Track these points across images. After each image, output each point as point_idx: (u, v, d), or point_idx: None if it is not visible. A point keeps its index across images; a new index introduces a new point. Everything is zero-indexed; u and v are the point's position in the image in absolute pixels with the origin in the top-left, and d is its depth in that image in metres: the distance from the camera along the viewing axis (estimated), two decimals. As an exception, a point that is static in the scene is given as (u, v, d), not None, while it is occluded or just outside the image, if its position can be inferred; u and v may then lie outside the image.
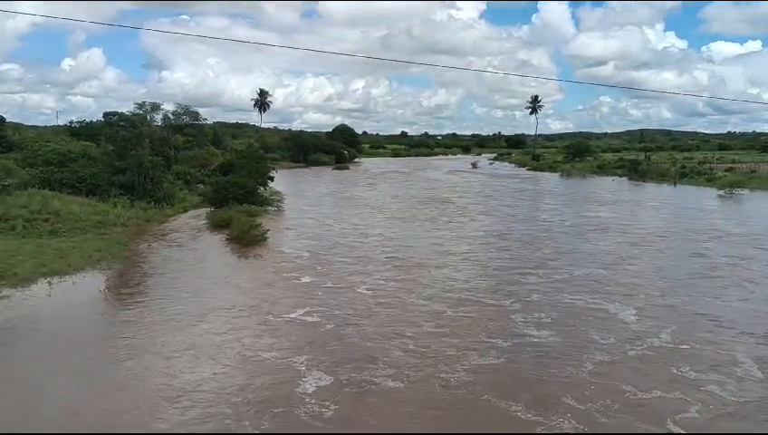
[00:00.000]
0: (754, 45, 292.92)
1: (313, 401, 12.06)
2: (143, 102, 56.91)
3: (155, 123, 56.42)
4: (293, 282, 21.92)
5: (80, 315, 18.05)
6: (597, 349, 14.74)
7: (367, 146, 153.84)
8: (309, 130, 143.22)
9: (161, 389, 12.72)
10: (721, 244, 28.90)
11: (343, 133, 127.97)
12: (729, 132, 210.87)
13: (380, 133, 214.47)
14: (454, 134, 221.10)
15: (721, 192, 55.88)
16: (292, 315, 17.78)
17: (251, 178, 42.16)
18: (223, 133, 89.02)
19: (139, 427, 11.21)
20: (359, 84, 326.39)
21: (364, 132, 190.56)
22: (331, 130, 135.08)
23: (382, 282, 21.60)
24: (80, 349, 15.01)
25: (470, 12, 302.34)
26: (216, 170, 52.01)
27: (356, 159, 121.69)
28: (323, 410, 11.73)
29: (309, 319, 17.50)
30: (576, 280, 21.79)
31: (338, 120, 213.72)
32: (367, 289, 20.59)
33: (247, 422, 11.32)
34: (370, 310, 18.31)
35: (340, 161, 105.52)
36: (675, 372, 13.47)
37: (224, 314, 17.99)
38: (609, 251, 27.48)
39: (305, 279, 22.12)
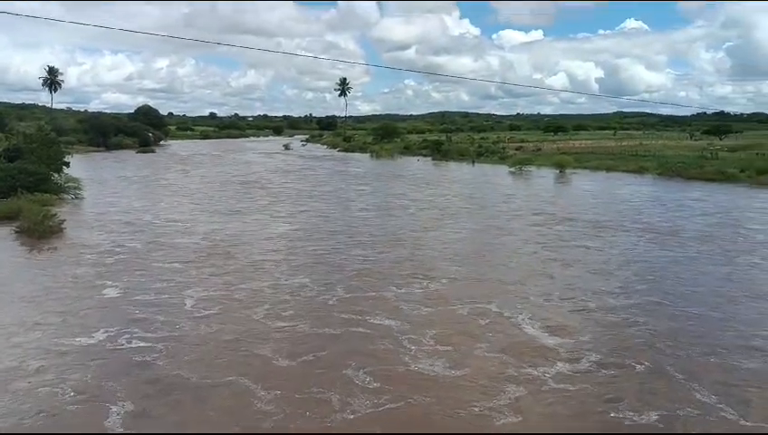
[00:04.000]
0: (537, 34, 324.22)
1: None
2: None
3: None
4: (97, 291, 16.75)
5: None
6: (511, 381, 11.08)
7: (173, 128, 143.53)
8: (108, 112, 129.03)
9: None
10: (556, 224, 27.67)
11: (147, 114, 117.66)
12: (518, 114, 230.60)
13: (188, 114, 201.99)
14: (265, 115, 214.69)
15: (512, 169, 58.39)
16: (92, 339, 13.14)
17: (42, 163, 36.61)
18: (7, 115, 76.47)
19: None
20: (162, 63, 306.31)
21: (170, 114, 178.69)
22: (133, 111, 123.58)
23: (215, 292, 16.78)
24: None
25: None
26: (1, 156, 43.77)
27: (162, 142, 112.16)
28: None
29: (118, 344, 12.91)
30: (456, 282, 17.96)
31: (140, 101, 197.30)
32: (196, 303, 15.74)
33: None
34: (201, 333, 13.62)
35: (145, 144, 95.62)
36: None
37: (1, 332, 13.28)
38: (464, 239, 24.75)
39: (113, 288, 17.01)
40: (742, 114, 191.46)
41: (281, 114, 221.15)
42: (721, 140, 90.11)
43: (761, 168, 46.95)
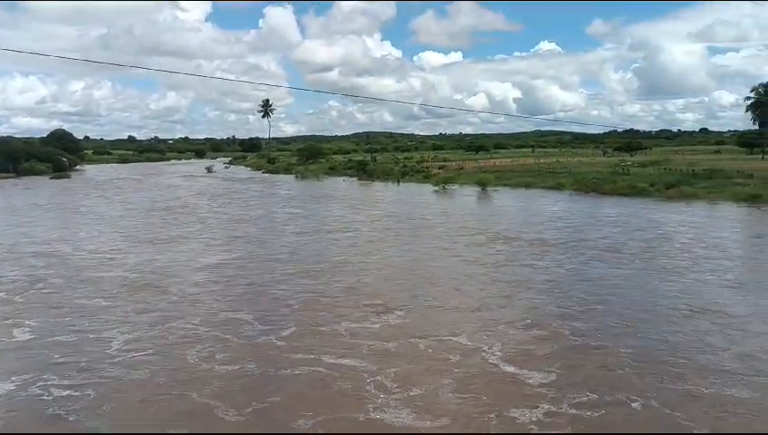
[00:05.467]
0: (456, 56, 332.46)
1: None
2: None
3: None
4: (6, 333, 14.70)
5: None
6: (493, 429, 9.69)
7: (90, 152, 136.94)
8: (19, 136, 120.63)
9: None
10: (501, 244, 26.89)
11: (61, 139, 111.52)
12: (441, 134, 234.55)
13: (105, 138, 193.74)
14: (186, 138, 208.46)
15: (437, 188, 58.29)
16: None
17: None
18: None
19: None
20: (77, 86, 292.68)
21: (86, 137, 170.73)
22: (46, 135, 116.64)
23: (145, 332, 14.74)
24: None
25: (195, 13, 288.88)
26: None
27: (78, 167, 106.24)
28: None
29: (30, 393, 11.20)
30: (413, 312, 16.29)
31: (54, 125, 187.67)
32: (123, 344, 13.76)
33: None
34: (129, 380, 11.78)
35: (60, 169, 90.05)
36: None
37: None
38: (411, 262, 23.14)
39: (25, 328, 14.98)
40: (650, 131, 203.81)
41: (203, 137, 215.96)
42: (632, 156, 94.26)
43: (668, 182, 48.85)
